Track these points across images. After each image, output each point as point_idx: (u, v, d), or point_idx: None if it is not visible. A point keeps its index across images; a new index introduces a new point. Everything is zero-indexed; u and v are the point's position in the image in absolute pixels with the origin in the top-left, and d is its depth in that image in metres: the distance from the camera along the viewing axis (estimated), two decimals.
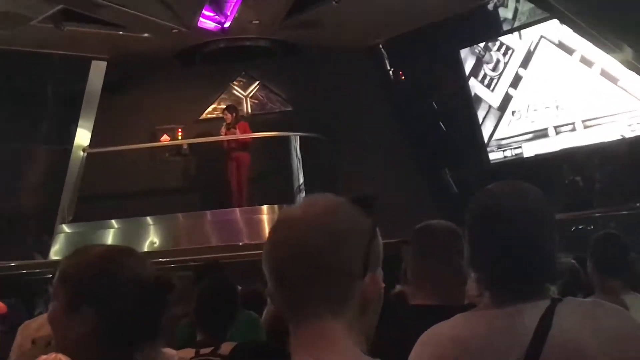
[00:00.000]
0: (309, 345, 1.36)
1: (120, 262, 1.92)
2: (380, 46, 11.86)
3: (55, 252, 10.93)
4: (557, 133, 10.39)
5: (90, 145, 11.63)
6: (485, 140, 11.10)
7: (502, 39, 10.78)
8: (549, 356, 1.78)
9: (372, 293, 1.41)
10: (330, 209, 1.42)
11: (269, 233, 1.45)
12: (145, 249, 10.43)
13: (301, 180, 11.48)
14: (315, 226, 1.38)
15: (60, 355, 2.69)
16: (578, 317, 1.85)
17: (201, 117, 12.42)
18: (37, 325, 3.91)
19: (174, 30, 10.04)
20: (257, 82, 12.58)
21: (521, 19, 10.48)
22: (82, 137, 11.57)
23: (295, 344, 1.39)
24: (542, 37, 10.33)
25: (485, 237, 1.97)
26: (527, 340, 1.81)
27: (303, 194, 11.36)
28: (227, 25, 10.23)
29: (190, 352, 3.63)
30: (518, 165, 10.63)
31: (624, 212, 9.79)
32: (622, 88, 9.67)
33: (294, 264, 1.38)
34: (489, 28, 10.81)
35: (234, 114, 11.51)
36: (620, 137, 9.80)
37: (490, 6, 10.57)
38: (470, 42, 11.09)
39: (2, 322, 4.38)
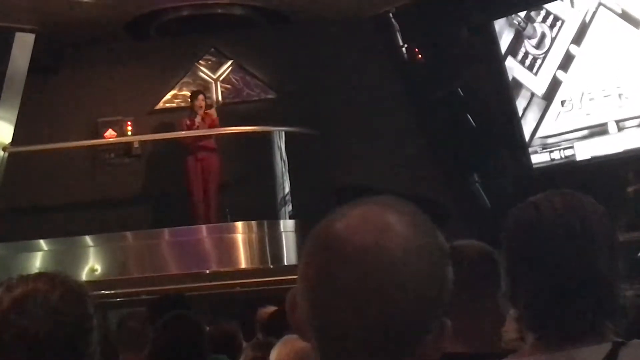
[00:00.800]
0: None
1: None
2: (391, 15, 11.86)
3: None
4: (619, 129, 10.46)
5: (12, 143, 11.59)
6: (527, 138, 11.16)
7: (549, 6, 10.85)
8: None
9: (434, 353, 1.40)
10: (420, 234, 1.36)
11: (332, 262, 1.35)
12: (84, 278, 10.41)
13: (287, 189, 11.51)
14: (409, 272, 1.32)
15: None
16: None
17: (157, 107, 12.44)
18: None
19: None
20: (230, 62, 12.58)
21: None
22: (2, 131, 11.56)
23: None
24: (600, 4, 10.39)
25: (528, 264, 1.97)
26: None
27: (289, 207, 11.39)
28: None
29: None
30: (569, 171, 10.70)
31: None
32: None
33: (354, 314, 1.32)
34: None
35: (202, 101, 11.55)
36: None
37: None
38: (508, 11, 11.16)
39: None
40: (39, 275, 2.06)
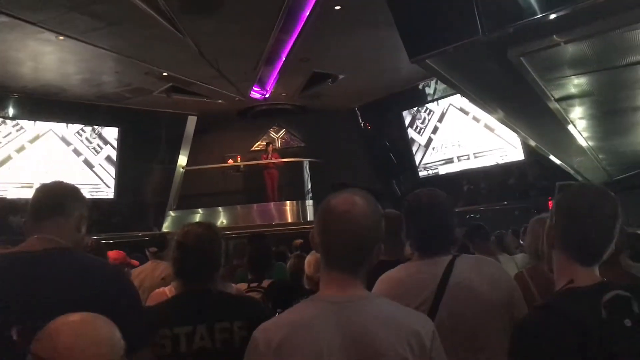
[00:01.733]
0: (339, 285, 1.36)
1: (215, 231, 2.07)
2: (356, 109, 11.87)
3: (166, 227, 10.97)
4: (458, 160, 10.44)
5: (186, 165, 11.64)
6: (417, 164, 11.13)
7: (427, 105, 10.84)
8: (451, 288, 1.81)
9: (377, 259, 1.39)
10: (371, 205, 1.37)
11: (330, 218, 1.34)
12: (218, 225, 10.43)
13: (309, 187, 11.49)
14: (365, 222, 1.34)
15: (166, 289, 2.70)
16: (469, 265, 1.88)
17: (251, 149, 12.38)
18: (138, 271, 3.97)
19: (237, 99, 10.08)
20: (284, 129, 12.57)
21: (438, 94, 10.54)
22: (182, 160, 11.59)
23: (331, 284, 1.37)
24: (450, 104, 10.40)
25: (414, 220, 1.99)
26: (438, 278, 1.83)
27: (310, 194, 11.38)
28: (267, 95, 10.28)
29: (244, 285, 3.65)
30: (435, 179, 10.66)
31: (497, 207, 9.87)
32: (497, 135, 9.75)
33: (340, 242, 1.34)
34: (419, 99, 10.87)
35: (272, 147, 11.65)
36: (495, 163, 9.87)
37: (420, 86, 10.62)
38: (409, 107, 11.13)
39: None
40: (197, 223, 2.10)
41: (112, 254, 3.88)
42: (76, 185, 1.87)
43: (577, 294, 1.37)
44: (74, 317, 1.12)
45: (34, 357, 1.06)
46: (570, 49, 2.69)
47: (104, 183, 10.53)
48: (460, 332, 1.78)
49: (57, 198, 1.76)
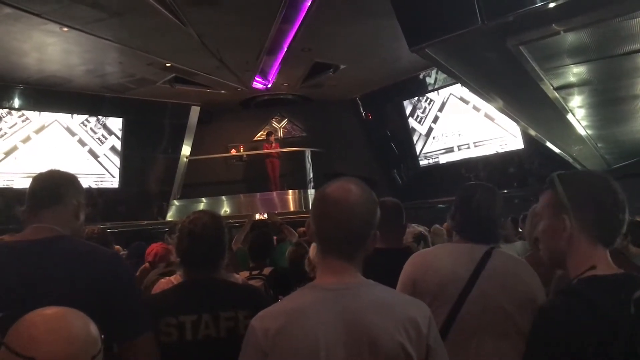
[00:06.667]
0: (335, 273, 1.35)
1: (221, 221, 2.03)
2: (357, 98, 11.79)
3: (170, 216, 10.99)
4: (459, 149, 10.40)
5: (190, 155, 11.61)
6: (417, 153, 11.09)
7: (428, 94, 10.78)
8: (488, 271, 1.86)
9: (372, 246, 1.38)
10: (365, 193, 1.36)
11: (325, 206, 1.33)
12: (222, 214, 10.43)
13: (311, 176, 11.47)
14: (359, 210, 1.32)
15: (171, 278, 2.70)
16: (506, 256, 1.96)
17: (254, 139, 12.34)
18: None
19: (239, 89, 10.03)
20: (286, 119, 12.51)
21: (438, 83, 10.47)
22: (185, 150, 11.55)
23: (327, 271, 1.36)
24: (451, 94, 10.33)
25: (463, 207, 2.00)
26: (476, 261, 1.88)
27: (312, 184, 11.38)
28: (269, 85, 10.23)
29: (245, 273, 3.66)
30: (436, 168, 10.63)
31: None
32: (496, 124, 9.71)
33: (334, 229, 1.32)
34: (420, 88, 10.80)
35: (273, 137, 11.60)
36: (495, 152, 9.84)
37: (421, 76, 10.55)
38: (409, 96, 11.06)
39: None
40: (202, 211, 2.06)
41: (156, 247, 3.89)
42: (73, 174, 1.83)
43: (602, 283, 1.30)
44: (49, 310, 1.09)
45: (6, 348, 1.03)
46: (570, 38, 2.66)
47: (109, 173, 10.53)
48: (490, 314, 1.80)
49: (54, 187, 1.74)
